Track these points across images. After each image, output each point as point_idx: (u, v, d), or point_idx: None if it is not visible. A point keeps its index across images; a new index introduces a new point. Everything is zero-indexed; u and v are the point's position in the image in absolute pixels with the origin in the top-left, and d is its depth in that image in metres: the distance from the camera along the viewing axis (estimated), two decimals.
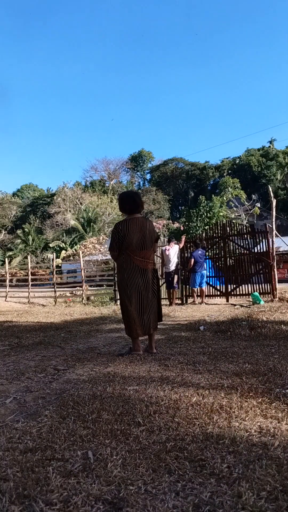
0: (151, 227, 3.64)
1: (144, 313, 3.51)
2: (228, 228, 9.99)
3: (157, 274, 3.76)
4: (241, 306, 7.88)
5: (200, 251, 9.41)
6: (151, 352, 3.52)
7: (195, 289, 9.38)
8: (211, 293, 9.93)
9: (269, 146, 58.55)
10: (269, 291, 8.73)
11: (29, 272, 14.99)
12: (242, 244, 9.93)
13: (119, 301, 3.87)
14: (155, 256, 3.64)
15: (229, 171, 55.63)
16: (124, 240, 3.48)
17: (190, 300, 9.78)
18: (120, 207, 3.70)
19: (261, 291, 8.80)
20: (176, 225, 27.59)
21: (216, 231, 10.31)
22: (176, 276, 9.32)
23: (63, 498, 1.19)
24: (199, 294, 9.44)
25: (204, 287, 9.39)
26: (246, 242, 9.95)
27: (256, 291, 8.68)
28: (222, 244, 9.94)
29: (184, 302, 9.77)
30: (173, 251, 9.30)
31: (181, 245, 10.03)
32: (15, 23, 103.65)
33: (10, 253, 44.39)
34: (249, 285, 9.29)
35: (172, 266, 9.23)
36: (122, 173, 66.93)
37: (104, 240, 29.78)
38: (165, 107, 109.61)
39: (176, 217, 48.79)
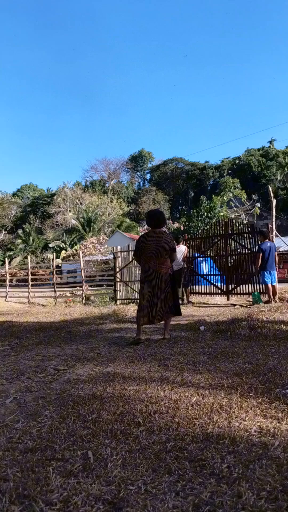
0: (167, 238, 4.34)
1: (154, 307, 4.24)
2: (229, 228, 9.99)
3: (172, 277, 4.44)
4: (241, 306, 7.88)
5: (270, 243, 7.79)
6: (164, 338, 4.25)
7: (268, 286, 7.79)
8: (211, 291, 9.92)
9: (269, 146, 58.54)
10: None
11: (29, 272, 14.98)
12: (243, 243, 9.92)
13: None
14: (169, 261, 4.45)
15: (229, 171, 55.64)
16: (143, 249, 4.32)
17: (264, 298, 8.10)
18: (147, 222, 4.55)
19: (261, 291, 8.79)
20: (176, 225, 27.59)
21: (217, 230, 10.31)
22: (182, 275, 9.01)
23: (63, 498, 1.19)
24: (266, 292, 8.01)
25: (275, 283, 7.80)
26: (247, 241, 9.93)
27: (257, 291, 8.66)
28: (223, 243, 9.93)
29: (188, 302, 9.51)
30: (179, 250, 8.99)
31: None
32: (15, 23, 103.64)
33: (10, 253, 44.43)
34: (249, 284, 9.28)
35: (176, 266, 8.94)
36: (122, 173, 67.13)
37: (104, 240, 29.77)
38: (165, 107, 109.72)
39: (176, 217, 48.77)
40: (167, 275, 4.33)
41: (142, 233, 4.63)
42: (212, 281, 10.08)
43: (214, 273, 10.33)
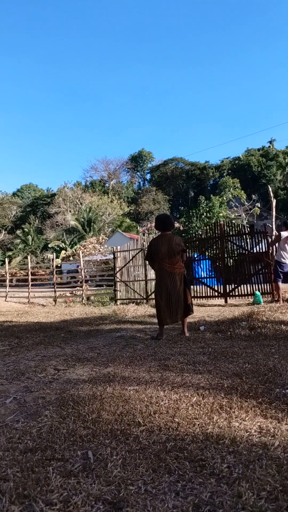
0: (177, 240, 4.58)
1: (172, 306, 4.44)
2: (227, 228, 9.96)
3: (185, 277, 4.63)
4: (241, 306, 7.88)
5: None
6: (184, 335, 4.43)
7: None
8: (209, 294, 9.86)
9: (269, 146, 58.52)
10: (269, 291, 8.72)
11: (29, 272, 14.98)
12: (241, 244, 9.90)
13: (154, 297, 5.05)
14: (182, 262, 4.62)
15: (229, 171, 55.58)
16: (155, 251, 4.53)
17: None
18: (156, 226, 4.78)
19: (261, 291, 8.79)
20: (176, 225, 27.60)
21: (215, 231, 10.26)
22: None
23: (63, 498, 1.20)
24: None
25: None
26: (246, 242, 9.91)
27: (257, 291, 8.64)
28: (220, 244, 9.90)
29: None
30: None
31: None
32: (12, 20, 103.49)
33: (10, 253, 44.38)
34: (249, 285, 9.26)
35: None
36: (122, 173, 67.04)
37: (104, 240, 29.75)
38: (165, 107, 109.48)
39: (176, 217, 48.76)
40: (181, 274, 4.54)
41: (153, 238, 4.88)
42: (210, 284, 9.99)
43: (211, 275, 10.27)
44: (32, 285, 14.82)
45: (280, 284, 7.60)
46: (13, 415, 2.01)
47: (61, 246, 39.51)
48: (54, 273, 13.96)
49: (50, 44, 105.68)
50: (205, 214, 19.77)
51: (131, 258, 10.82)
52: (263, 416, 1.80)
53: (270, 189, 9.68)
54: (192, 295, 9.98)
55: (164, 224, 4.69)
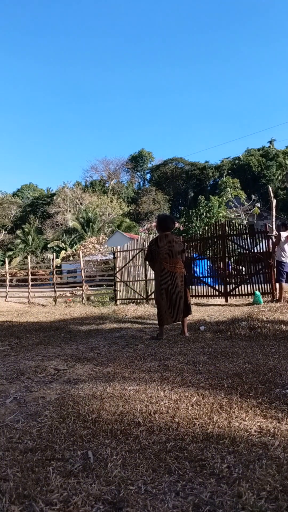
0: (178, 241, 4.67)
1: (173, 306, 4.48)
2: (227, 228, 9.95)
3: (186, 277, 4.66)
4: (241, 306, 7.88)
5: None
6: (184, 335, 4.44)
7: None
8: (209, 293, 9.87)
9: (269, 146, 58.53)
10: (269, 291, 8.72)
11: (29, 272, 14.98)
12: (242, 244, 9.89)
13: (154, 297, 5.02)
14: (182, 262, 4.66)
15: (229, 171, 55.55)
16: (156, 251, 4.57)
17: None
18: (156, 226, 4.83)
19: (261, 291, 8.79)
20: (176, 225, 27.58)
21: (215, 231, 10.26)
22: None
23: (63, 498, 1.20)
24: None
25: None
26: (246, 242, 9.90)
27: (257, 291, 8.64)
28: (221, 244, 9.89)
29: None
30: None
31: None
32: (12, 20, 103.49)
33: (10, 253, 44.39)
34: (249, 285, 9.26)
35: None
36: (122, 173, 67.01)
37: (104, 240, 29.75)
38: (166, 106, 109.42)
39: (176, 217, 48.74)
40: (182, 274, 4.56)
41: (153, 238, 4.96)
42: (210, 283, 10.00)
43: (212, 274, 10.28)
44: (32, 285, 14.81)
45: (284, 284, 7.56)
46: (13, 415, 2.01)
47: (61, 246, 39.49)
48: (54, 273, 13.96)
49: (50, 44, 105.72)
50: (204, 214, 19.77)
51: (131, 258, 10.82)
52: (263, 416, 1.80)
53: (270, 189, 9.67)
54: (193, 294, 10.04)
55: (165, 224, 4.74)
